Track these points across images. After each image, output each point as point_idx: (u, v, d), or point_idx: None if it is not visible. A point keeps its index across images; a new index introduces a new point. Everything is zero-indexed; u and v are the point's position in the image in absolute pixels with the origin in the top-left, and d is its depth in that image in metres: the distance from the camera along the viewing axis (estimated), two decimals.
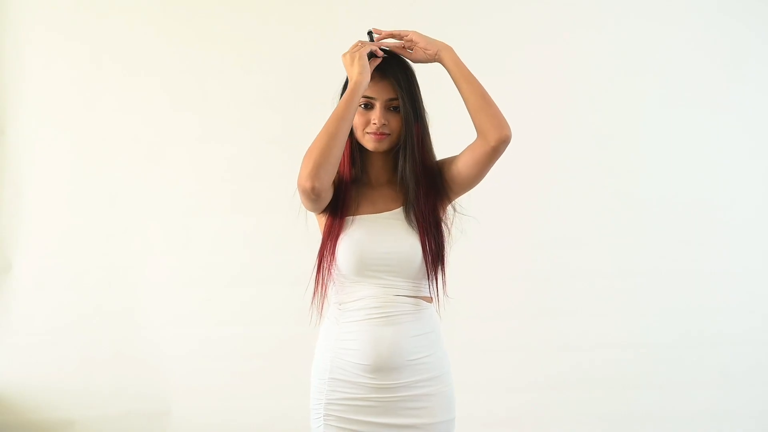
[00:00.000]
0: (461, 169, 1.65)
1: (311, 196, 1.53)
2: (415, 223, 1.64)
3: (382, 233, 1.62)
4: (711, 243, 3.18)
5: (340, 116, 1.54)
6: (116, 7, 3.14)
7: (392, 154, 1.68)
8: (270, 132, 3.11)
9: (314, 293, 1.67)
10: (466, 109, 1.65)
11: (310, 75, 3.11)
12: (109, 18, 3.14)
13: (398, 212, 1.66)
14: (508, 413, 3.14)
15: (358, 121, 1.62)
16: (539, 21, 3.18)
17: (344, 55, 1.60)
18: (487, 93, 1.62)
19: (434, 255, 1.64)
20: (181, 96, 3.15)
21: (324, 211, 1.66)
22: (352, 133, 1.63)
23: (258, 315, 3.16)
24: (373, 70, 1.60)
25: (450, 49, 1.64)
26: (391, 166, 1.69)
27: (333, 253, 1.62)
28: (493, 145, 1.59)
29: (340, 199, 1.63)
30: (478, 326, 3.12)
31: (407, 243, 1.62)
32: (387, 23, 3.13)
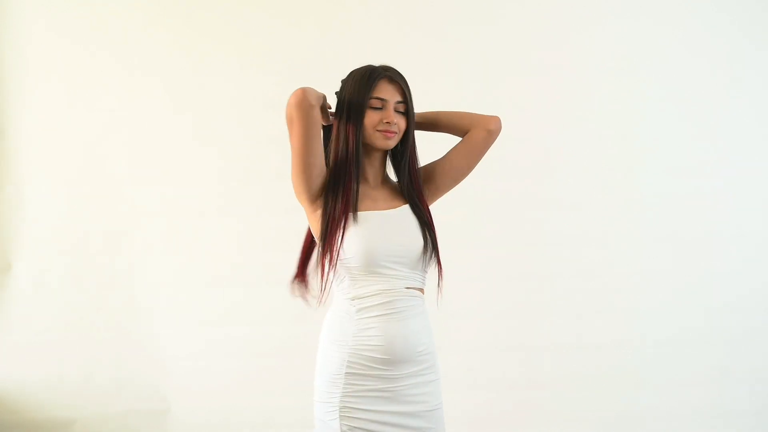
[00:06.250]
0: (455, 163, 1.82)
1: (303, 110, 1.62)
2: (423, 217, 1.76)
3: (396, 228, 1.71)
4: (708, 242, 3.19)
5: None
6: (116, 8, 3.15)
7: (386, 156, 1.80)
8: (272, 132, 3.12)
9: (321, 290, 1.70)
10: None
11: (309, 74, 3.11)
12: (109, 18, 3.15)
13: (406, 209, 1.75)
14: (507, 412, 3.15)
15: (369, 120, 1.70)
16: (538, 22, 3.20)
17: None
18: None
19: (436, 247, 1.75)
20: (181, 96, 3.16)
21: (321, 206, 1.70)
22: (357, 134, 1.70)
23: (258, 315, 3.16)
24: (384, 76, 1.71)
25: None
26: (383, 168, 1.80)
27: (337, 250, 1.66)
28: (492, 128, 1.80)
29: (341, 195, 1.67)
30: (475, 325, 3.13)
31: (420, 237, 1.72)
32: (389, 23, 3.17)
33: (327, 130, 1.77)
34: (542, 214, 3.17)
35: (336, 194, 1.68)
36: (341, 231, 1.66)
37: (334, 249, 1.65)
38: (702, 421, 3.15)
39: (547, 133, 3.18)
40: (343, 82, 1.76)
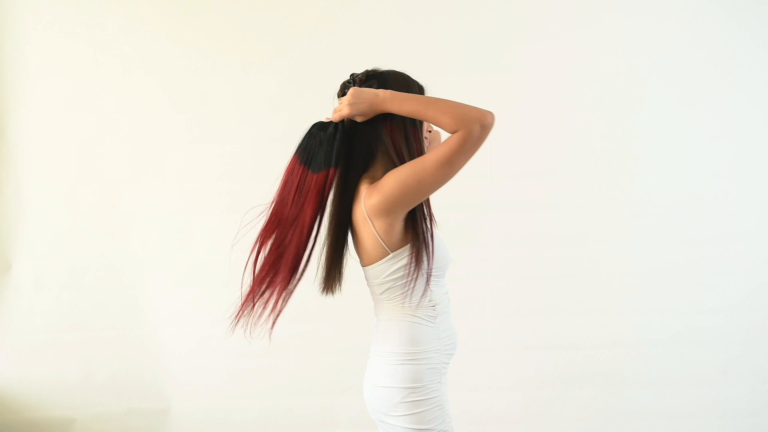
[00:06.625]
0: None
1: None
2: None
3: (437, 233, 1.73)
4: (709, 242, 3.19)
5: None
6: (116, 8, 3.15)
7: None
8: (272, 131, 3.12)
9: (423, 296, 1.65)
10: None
11: (309, 75, 3.13)
12: (108, 18, 3.15)
13: None
14: (507, 411, 3.15)
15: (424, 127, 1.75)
16: (538, 20, 3.20)
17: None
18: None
19: None
20: (181, 95, 3.16)
21: (409, 215, 1.63)
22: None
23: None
24: (420, 85, 1.73)
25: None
26: None
27: (433, 254, 1.63)
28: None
29: (427, 202, 1.64)
30: (475, 325, 3.13)
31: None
32: (390, 23, 3.17)
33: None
34: (542, 214, 3.17)
35: (427, 201, 1.64)
36: (432, 241, 1.62)
37: (432, 257, 1.62)
38: (702, 421, 3.15)
39: (547, 133, 3.18)
40: (385, 82, 1.65)
